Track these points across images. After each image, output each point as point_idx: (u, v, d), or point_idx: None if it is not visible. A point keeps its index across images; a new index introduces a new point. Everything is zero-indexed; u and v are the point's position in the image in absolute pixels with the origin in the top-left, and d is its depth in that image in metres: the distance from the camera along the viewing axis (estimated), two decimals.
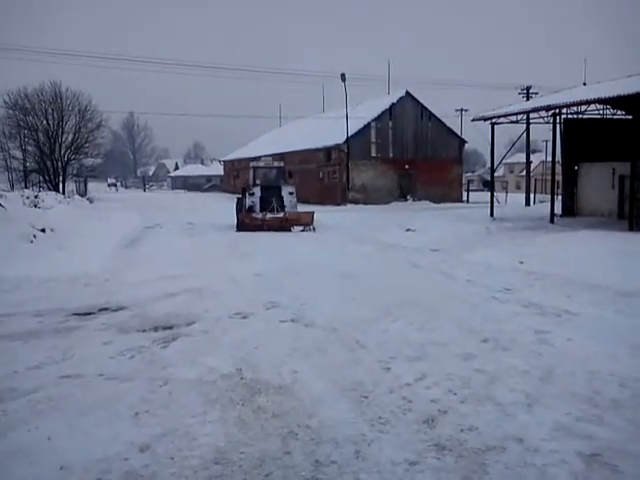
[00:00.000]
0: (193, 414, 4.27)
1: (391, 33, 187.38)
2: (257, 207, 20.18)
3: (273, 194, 20.50)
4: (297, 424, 4.10)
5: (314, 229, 19.57)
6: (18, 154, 37.88)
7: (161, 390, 4.77)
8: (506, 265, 11.25)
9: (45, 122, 36.18)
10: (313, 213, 20.17)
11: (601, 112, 24.05)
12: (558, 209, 22.91)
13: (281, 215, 19.80)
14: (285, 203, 20.57)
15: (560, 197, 24.44)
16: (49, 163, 36.29)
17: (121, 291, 8.93)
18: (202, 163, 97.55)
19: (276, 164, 23.14)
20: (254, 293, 8.80)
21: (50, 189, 32.84)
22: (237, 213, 21.32)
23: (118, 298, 8.34)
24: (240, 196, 22.18)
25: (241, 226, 19.63)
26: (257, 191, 20.59)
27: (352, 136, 37.19)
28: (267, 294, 8.63)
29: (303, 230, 19.35)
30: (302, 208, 21.61)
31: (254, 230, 18.78)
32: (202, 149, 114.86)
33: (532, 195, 36.21)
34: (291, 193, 20.89)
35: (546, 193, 37.26)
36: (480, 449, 3.73)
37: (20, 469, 3.52)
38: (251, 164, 23.27)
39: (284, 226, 19.29)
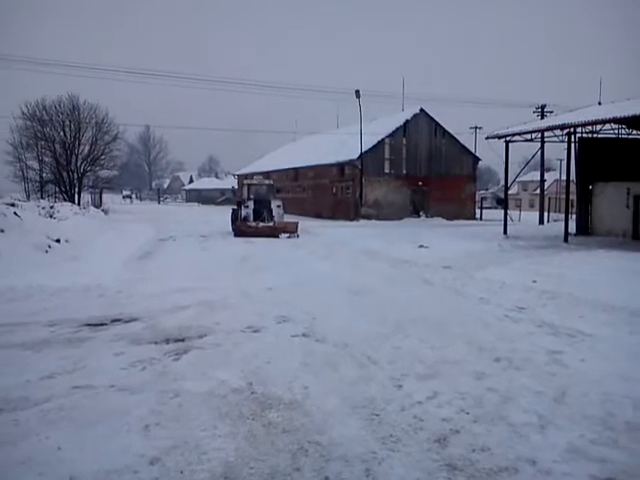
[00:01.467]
0: (203, 428, 4.26)
1: (397, 36, 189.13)
2: (251, 217, 23.64)
3: (264, 206, 23.85)
4: (307, 440, 4.07)
5: (298, 236, 22.66)
6: (35, 165, 38.52)
7: (171, 403, 4.76)
8: (519, 284, 11.17)
9: (62, 134, 36.65)
10: (297, 223, 23.60)
11: (616, 132, 23.95)
12: (572, 228, 22.77)
13: (271, 224, 23.07)
14: (274, 214, 23.76)
15: (574, 216, 24.30)
16: (65, 174, 36.69)
17: (134, 303, 8.97)
18: (216, 176, 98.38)
19: (266, 182, 26.75)
20: (265, 307, 8.79)
21: (66, 200, 33.14)
22: (232, 222, 25.06)
23: (130, 310, 8.38)
24: (235, 208, 25.54)
25: (239, 233, 22.95)
26: (251, 204, 24.04)
27: (366, 152, 37.24)
28: (278, 308, 8.62)
29: (289, 237, 22.41)
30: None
31: (249, 236, 21.92)
32: (217, 163, 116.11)
33: (546, 214, 36.04)
34: (279, 206, 24.30)
35: (560, 212, 37.03)
36: (492, 470, 3.68)
37: (29, 479, 3.52)
38: (244, 181, 26.96)
39: (273, 233, 22.45)
